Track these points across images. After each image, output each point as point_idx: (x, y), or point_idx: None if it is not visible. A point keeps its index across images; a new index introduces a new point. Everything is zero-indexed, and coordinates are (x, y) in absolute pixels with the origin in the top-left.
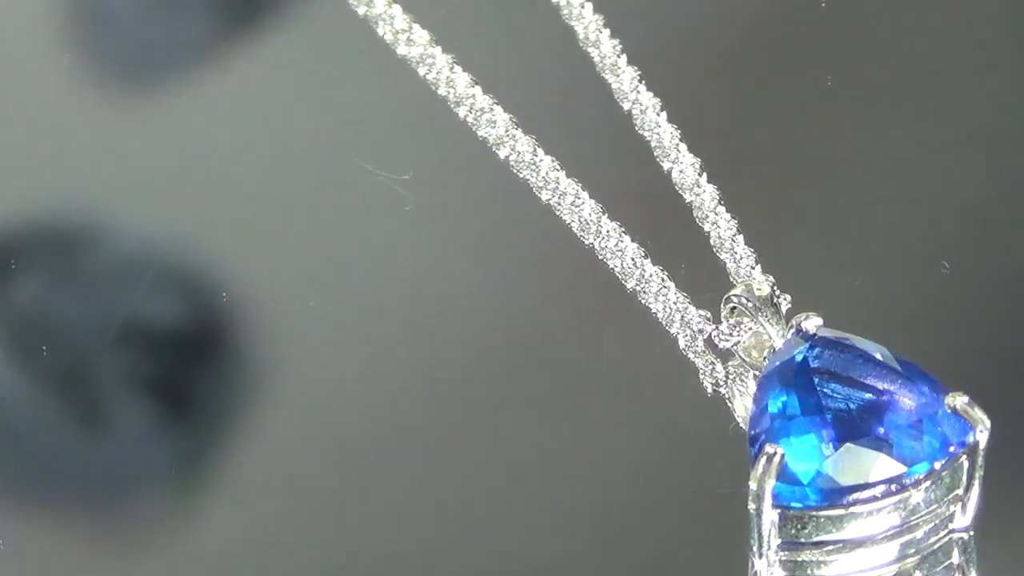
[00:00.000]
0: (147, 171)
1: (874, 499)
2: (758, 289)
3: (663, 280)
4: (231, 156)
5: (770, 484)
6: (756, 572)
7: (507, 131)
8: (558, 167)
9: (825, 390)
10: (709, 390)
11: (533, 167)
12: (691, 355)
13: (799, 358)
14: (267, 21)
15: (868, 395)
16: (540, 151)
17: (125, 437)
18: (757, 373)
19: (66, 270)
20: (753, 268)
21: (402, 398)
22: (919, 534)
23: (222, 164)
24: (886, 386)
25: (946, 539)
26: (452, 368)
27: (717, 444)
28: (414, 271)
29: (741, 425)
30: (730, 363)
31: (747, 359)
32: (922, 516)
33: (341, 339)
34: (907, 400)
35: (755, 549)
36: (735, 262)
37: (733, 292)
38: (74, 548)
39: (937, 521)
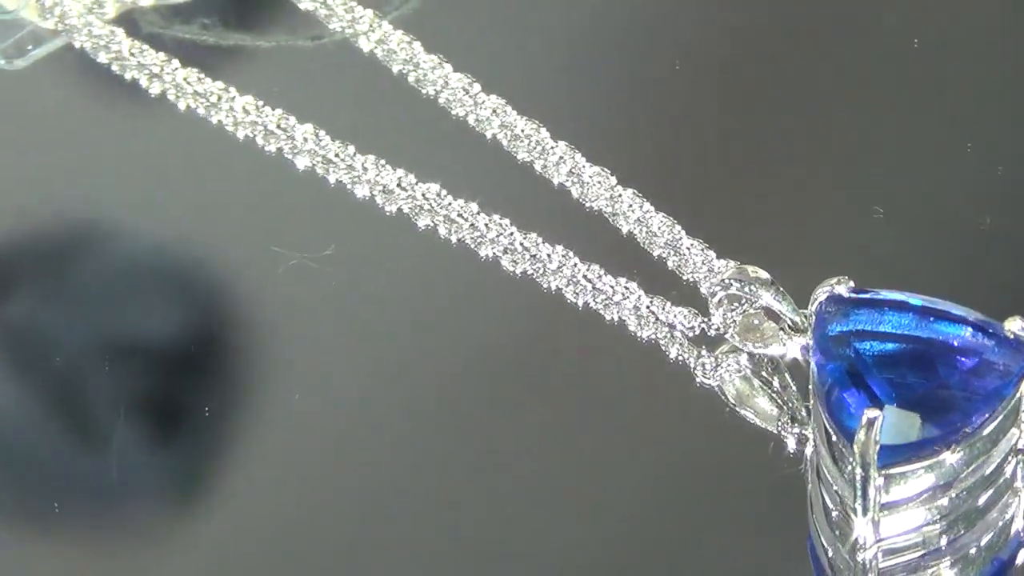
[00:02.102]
0: (144, 180)
1: (948, 447)
2: (753, 272)
3: (627, 289)
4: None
5: (875, 448)
6: (859, 535)
7: (400, 183)
8: (473, 204)
9: (874, 351)
10: (699, 380)
11: (437, 211)
12: (675, 351)
13: (840, 327)
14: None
15: (919, 347)
16: (446, 193)
17: (123, 450)
18: (751, 354)
19: (61, 284)
20: (707, 255)
21: (399, 406)
22: (992, 464)
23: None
24: (934, 334)
25: (1011, 464)
26: (440, 381)
27: (716, 438)
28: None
29: (736, 409)
30: (718, 351)
31: (743, 341)
32: (998, 447)
33: (337, 352)
34: (960, 341)
35: (859, 511)
36: (679, 256)
37: (726, 279)
38: (72, 559)
39: (1008, 448)
